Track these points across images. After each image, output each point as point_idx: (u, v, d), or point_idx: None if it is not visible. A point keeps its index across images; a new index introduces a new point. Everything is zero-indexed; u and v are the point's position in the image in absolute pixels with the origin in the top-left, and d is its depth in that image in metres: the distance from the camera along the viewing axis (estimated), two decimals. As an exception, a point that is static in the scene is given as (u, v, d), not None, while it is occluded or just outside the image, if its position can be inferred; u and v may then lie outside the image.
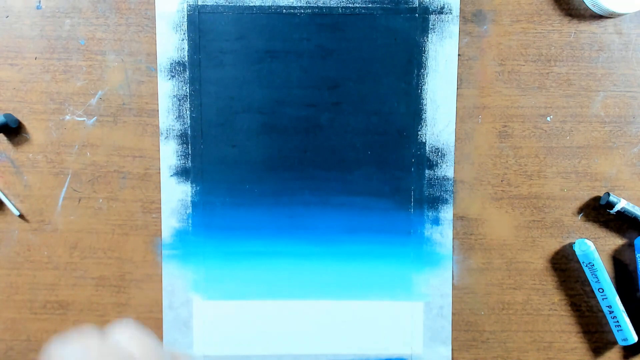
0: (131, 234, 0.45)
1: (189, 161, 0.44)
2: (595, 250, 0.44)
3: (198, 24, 0.43)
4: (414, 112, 0.44)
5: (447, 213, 0.45)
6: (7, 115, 0.43)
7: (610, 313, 0.44)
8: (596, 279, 0.44)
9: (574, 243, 0.45)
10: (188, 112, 0.44)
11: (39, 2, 0.44)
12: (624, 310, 0.44)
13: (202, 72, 0.44)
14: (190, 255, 0.45)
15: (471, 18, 0.44)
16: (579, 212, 0.45)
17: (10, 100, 0.44)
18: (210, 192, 0.45)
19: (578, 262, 0.45)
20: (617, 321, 0.44)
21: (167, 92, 0.44)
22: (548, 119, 0.44)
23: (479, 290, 0.46)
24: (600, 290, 0.44)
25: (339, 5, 0.43)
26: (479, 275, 0.45)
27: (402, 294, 0.45)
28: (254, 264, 0.45)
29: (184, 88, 0.44)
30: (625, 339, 0.44)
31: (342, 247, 0.45)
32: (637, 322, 0.45)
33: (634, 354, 0.46)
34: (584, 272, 0.45)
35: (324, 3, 0.43)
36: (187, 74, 0.44)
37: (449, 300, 0.45)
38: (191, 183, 0.45)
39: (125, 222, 0.45)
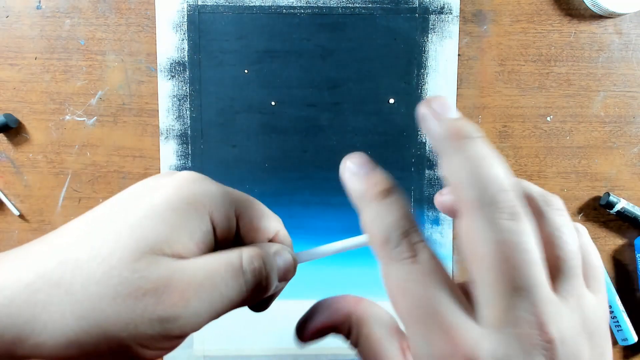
0: (131, 234, 0.45)
1: (189, 161, 0.44)
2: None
3: (198, 24, 0.43)
4: (414, 112, 0.44)
5: (447, 213, 0.45)
6: (7, 115, 0.43)
7: (610, 313, 0.44)
8: None
9: None
10: (188, 112, 0.44)
11: (39, 2, 0.44)
12: (624, 310, 0.44)
13: (202, 72, 0.44)
14: (190, 255, 0.45)
15: (471, 18, 0.44)
16: (579, 212, 0.45)
17: (10, 100, 0.44)
18: (210, 192, 0.45)
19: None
20: (617, 321, 0.44)
21: (167, 92, 0.44)
22: (548, 119, 0.44)
23: (479, 290, 0.46)
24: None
25: (339, 5, 0.43)
26: (479, 275, 0.45)
27: (402, 294, 0.45)
28: (254, 264, 0.45)
29: (184, 88, 0.44)
30: (625, 339, 0.44)
31: (342, 247, 0.45)
32: (637, 322, 0.45)
33: (634, 354, 0.46)
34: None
35: (324, 3, 0.43)
36: (187, 74, 0.44)
37: (449, 300, 0.45)
38: (191, 183, 0.45)
39: (125, 222, 0.45)
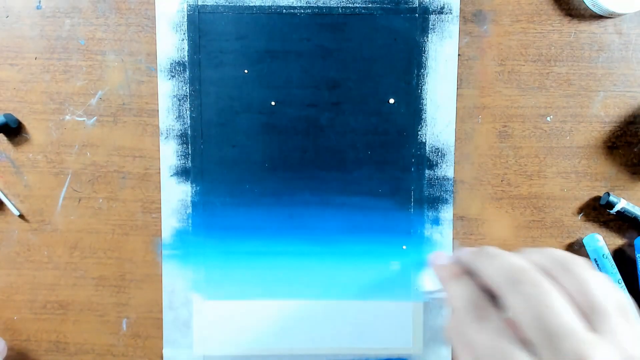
0: (131, 234, 0.45)
1: (189, 161, 0.44)
2: (605, 245, 0.44)
3: (198, 24, 0.43)
4: (414, 112, 0.44)
5: (447, 213, 0.45)
6: (7, 115, 0.43)
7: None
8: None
9: (584, 238, 0.45)
10: (188, 112, 0.44)
11: (39, 2, 0.44)
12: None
13: (202, 72, 0.44)
14: (190, 255, 0.45)
15: (471, 18, 0.44)
16: (579, 212, 0.45)
17: (10, 100, 0.44)
18: (210, 192, 0.45)
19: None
20: None
21: (167, 92, 0.44)
22: (548, 119, 0.44)
23: (479, 290, 0.46)
24: (619, 283, 0.44)
25: (339, 5, 0.43)
26: (479, 275, 0.45)
27: (402, 294, 0.45)
28: (254, 264, 0.45)
29: (184, 88, 0.44)
30: None
31: (342, 247, 0.45)
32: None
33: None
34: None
35: (324, 3, 0.43)
36: (187, 74, 0.44)
37: (449, 300, 0.45)
38: (191, 183, 0.45)
39: (125, 222, 0.45)
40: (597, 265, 0.44)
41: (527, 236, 0.45)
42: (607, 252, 0.44)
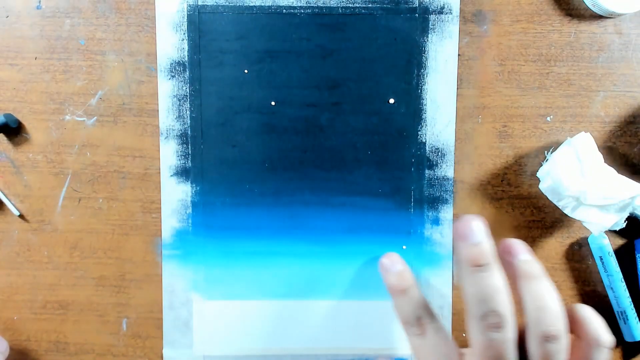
0: (131, 234, 0.45)
1: (189, 161, 0.44)
2: (609, 243, 0.43)
3: (198, 24, 0.43)
4: (414, 112, 0.44)
5: (447, 213, 0.45)
6: (7, 115, 0.43)
7: (629, 305, 0.44)
8: (609, 273, 0.44)
9: (589, 237, 0.45)
10: (188, 112, 0.44)
11: (39, 2, 0.44)
12: (631, 303, 0.44)
13: (202, 72, 0.44)
14: (190, 255, 0.45)
15: (471, 18, 0.44)
16: (579, 212, 0.45)
17: (10, 100, 0.44)
18: (210, 192, 0.45)
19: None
20: (626, 316, 0.44)
21: (167, 92, 0.44)
22: (548, 119, 0.44)
23: (479, 290, 0.45)
24: (622, 282, 0.44)
25: (339, 5, 0.43)
26: (479, 275, 0.45)
27: (402, 294, 0.45)
28: (254, 264, 0.45)
29: (184, 88, 0.44)
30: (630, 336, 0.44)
31: (342, 247, 0.45)
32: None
33: (634, 354, 0.46)
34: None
35: (324, 3, 0.43)
36: (187, 74, 0.44)
37: (449, 300, 0.45)
38: (191, 183, 0.45)
39: (125, 222, 0.45)
40: (603, 263, 0.44)
41: (527, 236, 0.45)
42: (611, 250, 0.44)
